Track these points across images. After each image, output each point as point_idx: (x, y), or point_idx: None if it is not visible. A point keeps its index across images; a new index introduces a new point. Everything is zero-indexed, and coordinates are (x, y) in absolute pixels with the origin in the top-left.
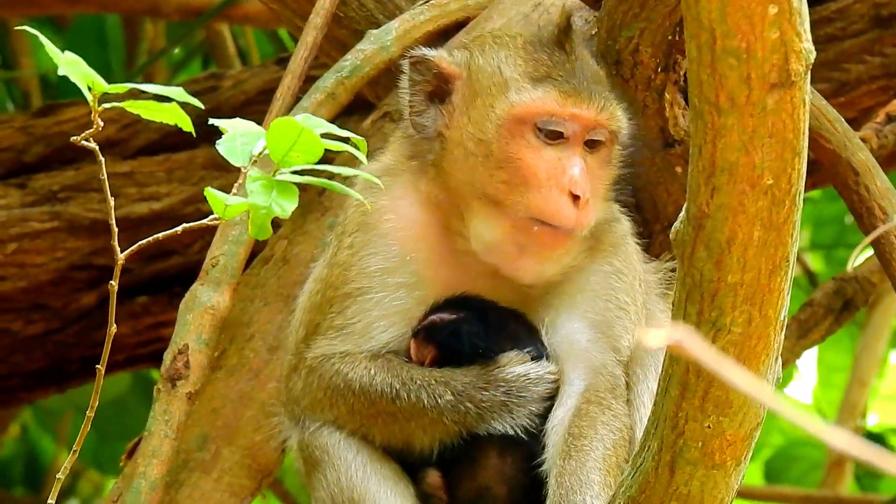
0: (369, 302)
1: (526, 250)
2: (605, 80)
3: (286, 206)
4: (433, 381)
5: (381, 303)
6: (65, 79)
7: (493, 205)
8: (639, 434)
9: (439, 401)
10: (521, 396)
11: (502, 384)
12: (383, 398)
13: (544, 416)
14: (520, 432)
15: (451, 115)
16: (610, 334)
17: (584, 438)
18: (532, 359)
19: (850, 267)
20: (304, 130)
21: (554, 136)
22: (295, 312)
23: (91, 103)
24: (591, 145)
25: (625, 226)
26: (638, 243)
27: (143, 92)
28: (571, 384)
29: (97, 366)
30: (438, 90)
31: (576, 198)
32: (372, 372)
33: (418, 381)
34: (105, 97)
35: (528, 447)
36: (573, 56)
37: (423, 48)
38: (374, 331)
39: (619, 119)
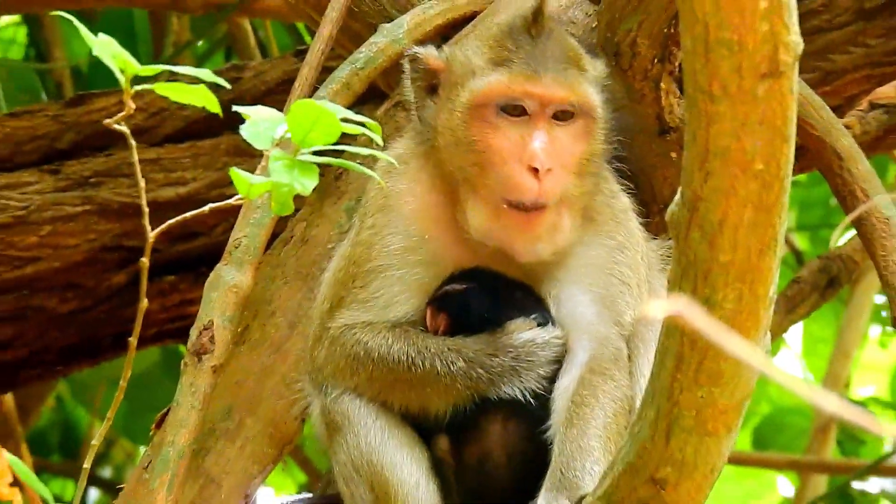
0: (391, 278)
1: (507, 232)
2: (578, 59)
3: (307, 184)
4: (446, 349)
5: (402, 278)
6: (95, 70)
7: (473, 190)
8: (639, 404)
9: (452, 367)
10: (529, 361)
11: (510, 350)
12: (400, 366)
13: (553, 379)
14: (529, 396)
15: (438, 107)
16: (614, 309)
17: (586, 407)
18: (538, 325)
19: (832, 245)
20: (322, 111)
21: (516, 112)
22: (320, 288)
23: (123, 85)
24: (563, 117)
25: (624, 201)
26: (640, 221)
27: (173, 76)
28: (576, 355)
29: (129, 338)
30: (431, 84)
31: (535, 170)
32: (390, 341)
33: (432, 350)
34: (136, 80)
35: (533, 415)
36: (539, 39)
37: (416, 46)
38: (395, 303)
39: (579, 93)
